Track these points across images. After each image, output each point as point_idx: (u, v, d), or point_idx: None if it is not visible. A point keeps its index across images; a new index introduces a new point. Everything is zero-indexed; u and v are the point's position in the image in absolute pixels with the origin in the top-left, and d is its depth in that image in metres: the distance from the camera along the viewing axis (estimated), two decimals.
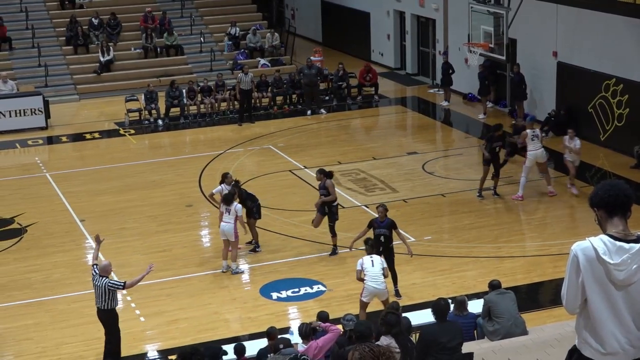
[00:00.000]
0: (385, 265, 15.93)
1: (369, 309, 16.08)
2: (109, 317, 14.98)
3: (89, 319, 16.57)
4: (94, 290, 14.94)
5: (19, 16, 36.24)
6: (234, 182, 19.56)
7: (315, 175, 19.95)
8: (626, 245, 5.46)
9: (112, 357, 14.97)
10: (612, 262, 5.44)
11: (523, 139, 22.24)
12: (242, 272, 18.82)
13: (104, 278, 14.78)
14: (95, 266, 15.03)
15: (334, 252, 19.37)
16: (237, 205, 18.60)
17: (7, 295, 18.00)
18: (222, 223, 18.52)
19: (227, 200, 18.58)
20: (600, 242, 5.49)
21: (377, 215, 17.76)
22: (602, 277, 5.51)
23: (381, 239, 17.07)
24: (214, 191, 19.75)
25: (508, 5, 27.15)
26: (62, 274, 18.90)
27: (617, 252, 5.46)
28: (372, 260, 15.75)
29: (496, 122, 24.19)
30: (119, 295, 17.66)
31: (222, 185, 19.48)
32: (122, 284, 14.97)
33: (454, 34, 32.31)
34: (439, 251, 19.31)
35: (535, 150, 22.07)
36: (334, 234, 19.33)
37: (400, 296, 17.19)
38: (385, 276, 15.75)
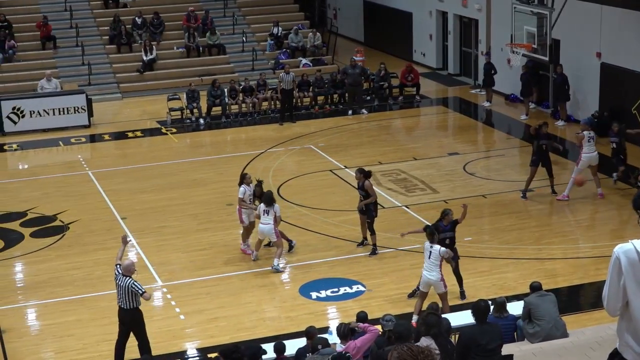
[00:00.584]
0: (447, 256, 15.93)
1: (410, 309, 16.16)
2: (134, 317, 14.96)
3: None
4: (116, 290, 14.98)
5: (64, 15, 36.59)
6: (257, 182, 19.59)
7: (354, 175, 19.95)
8: None
9: (148, 354, 15.04)
10: None
11: (579, 141, 22.05)
12: (282, 272, 18.85)
13: (127, 278, 14.82)
14: (118, 266, 15.05)
15: (373, 252, 19.34)
16: (276, 206, 18.68)
17: (49, 292, 18.18)
18: (261, 225, 18.63)
19: (268, 200, 18.67)
20: None
21: (440, 221, 17.29)
22: None
23: (447, 242, 16.89)
24: (240, 196, 19.36)
25: (552, 5, 26.98)
26: (103, 271, 19.01)
27: None
28: (430, 251, 15.89)
29: (539, 121, 24.01)
30: (159, 293, 17.87)
31: (243, 186, 19.37)
32: (143, 292, 14.87)
33: (496, 34, 32.14)
34: (479, 252, 19.22)
35: (590, 153, 21.86)
36: (372, 232, 19.31)
37: (465, 297, 17.14)
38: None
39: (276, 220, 18.68)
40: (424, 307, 15.30)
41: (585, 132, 22.01)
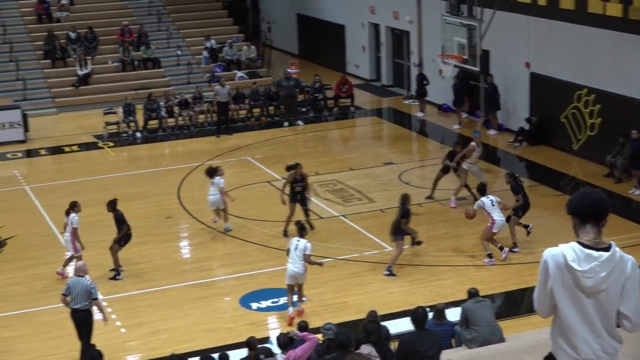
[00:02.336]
0: (308, 252, 16.77)
1: (349, 317, 16.46)
2: (88, 317, 15.38)
3: (70, 331, 16.65)
4: (69, 293, 15.29)
5: None
6: (112, 201, 19.31)
7: (293, 171, 21.08)
8: (595, 253, 5.57)
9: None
10: (579, 269, 5.56)
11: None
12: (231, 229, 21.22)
13: (84, 278, 15.25)
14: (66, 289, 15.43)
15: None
16: (219, 179, 20.82)
17: None
18: (210, 196, 20.99)
19: (210, 173, 20.85)
20: (570, 250, 5.61)
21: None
22: (570, 284, 5.63)
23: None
24: (76, 225, 18.75)
25: (481, 17, 27.51)
26: (43, 286, 19.00)
27: (585, 260, 5.57)
28: (297, 244, 16.88)
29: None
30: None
31: (74, 215, 18.81)
32: (96, 297, 15.35)
33: (428, 45, 32.65)
34: (417, 260, 19.53)
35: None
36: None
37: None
38: (305, 261, 16.81)
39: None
40: None
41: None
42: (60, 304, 16.68)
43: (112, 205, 19.31)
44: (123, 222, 19.27)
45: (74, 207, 19.05)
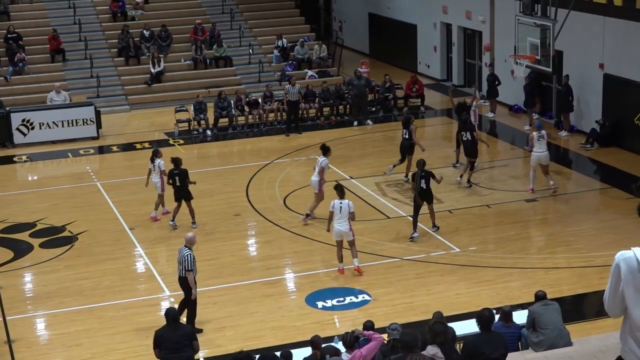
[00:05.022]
0: (352, 210, 18.51)
1: (415, 318, 16.40)
2: (183, 285, 16.57)
3: (137, 326, 16.94)
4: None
5: (73, 28, 36.88)
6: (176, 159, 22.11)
7: None
8: None
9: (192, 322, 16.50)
10: None
11: (530, 141, 23.09)
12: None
13: (186, 249, 16.42)
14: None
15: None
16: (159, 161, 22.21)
17: (58, 302, 18.34)
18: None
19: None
20: None
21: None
22: None
23: None
24: (163, 169, 22.23)
25: (555, 17, 27.14)
26: (111, 281, 19.23)
27: None
28: (340, 206, 18.53)
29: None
30: (167, 302, 18.00)
31: (157, 160, 22.33)
32: (189, 269, 16.34)
33: (500, 45, 32.36)
34: (484, 262, 19.37)
35: (539, 153, 22.87)
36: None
37: None
38: (351, 219, 18.57)
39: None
40: None
41: (535, 133, 23.02)
42: (128, 299, 16.93)
43: (174, 162, 21.86)
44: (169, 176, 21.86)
45: (157, 153, 22.37)
